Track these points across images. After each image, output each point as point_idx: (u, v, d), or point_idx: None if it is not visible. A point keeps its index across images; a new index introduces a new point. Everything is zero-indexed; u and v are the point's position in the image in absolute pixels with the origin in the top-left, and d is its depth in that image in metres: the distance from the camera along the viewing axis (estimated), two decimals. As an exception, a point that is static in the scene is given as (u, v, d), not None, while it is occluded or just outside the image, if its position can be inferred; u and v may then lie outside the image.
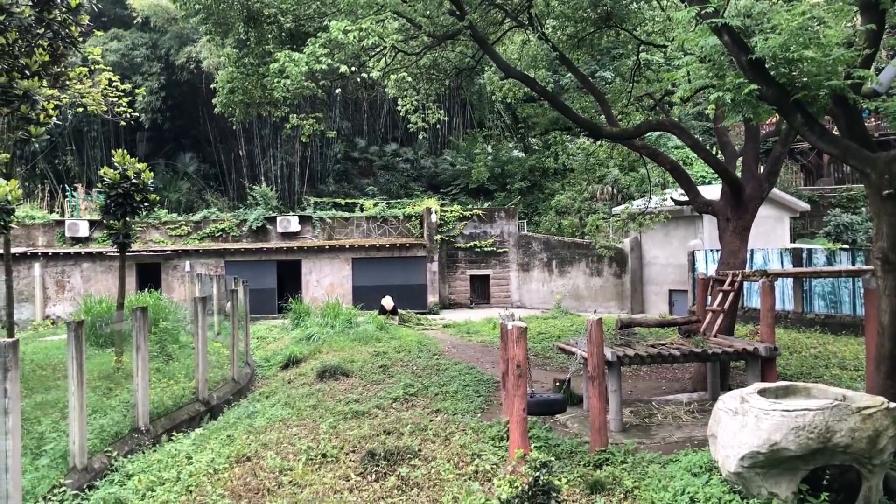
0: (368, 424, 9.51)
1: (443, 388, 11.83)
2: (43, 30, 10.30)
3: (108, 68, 17.76)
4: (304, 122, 15.64)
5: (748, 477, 6.37)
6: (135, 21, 33.37)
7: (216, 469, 8.05)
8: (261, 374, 15.21)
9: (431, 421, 9.68)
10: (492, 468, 7.75)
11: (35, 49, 10.14)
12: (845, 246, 23.24)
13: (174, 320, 15.51)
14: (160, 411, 10.04)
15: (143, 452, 8.84)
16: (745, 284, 17.22)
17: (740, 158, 13.30)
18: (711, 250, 21.53)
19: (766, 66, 6.76)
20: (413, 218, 28.86)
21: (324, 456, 8.38)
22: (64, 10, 10.54)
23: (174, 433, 9.66)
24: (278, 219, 27.64)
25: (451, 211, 28.87)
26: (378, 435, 9.01)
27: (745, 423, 6.41)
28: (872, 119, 27.47)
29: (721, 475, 6.79)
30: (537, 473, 6.41)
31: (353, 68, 12.81)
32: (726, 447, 6.53)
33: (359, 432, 9.11)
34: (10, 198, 10.66)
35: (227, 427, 9.96)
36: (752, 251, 18.72)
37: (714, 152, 17.01)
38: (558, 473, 7.35)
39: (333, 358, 14.63)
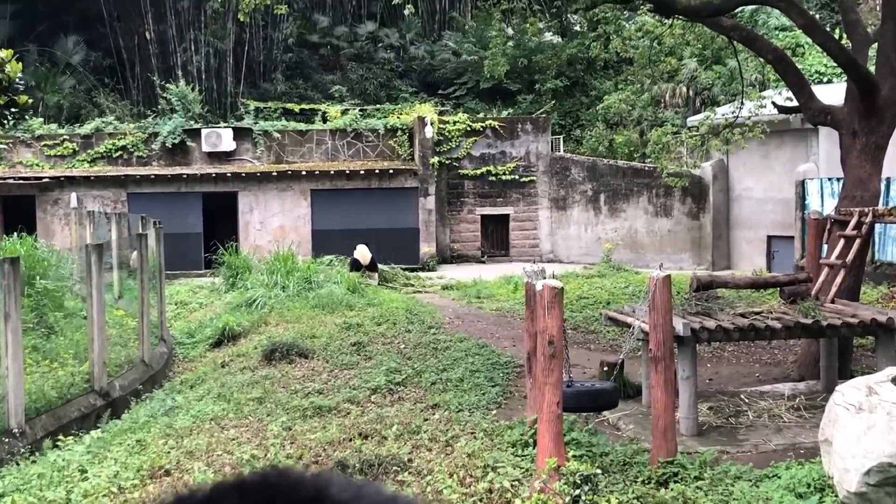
0: (337, 425, 9.63)
1: (442, 375, 11.98)
2: None
3: None
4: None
5: (876, 499, 6.47)
6: None
7: (122, 487, 8.15)
8: (182, 354, 15.47)
9: (426, 420, 9.80)
10: (512, 485, 7.85)
11: None
12: None
13: (56, 278, 15.56)
14: (40, 406, 10.13)
15: (18, 463, 8.95)
16: (877, 228, 17.21)
17: (874, 45, 13.15)
18: (830, 179, 21.50)
19: None
20: (399, 132, 28.84)
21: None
22: None
23: (61, 436, 9.75)
24: (204, 133, 27.74)
25: (455, 122, 28.84)
26: (351, 440, 9.13)
27: (873, 424, 6.48)
28: None
29: (837, 496, 6.90)
30: (577, 492, 6.48)
31: None
32: (845, 457, 6.61)
33: (324, 435, 9.23)
34: None
35: (136, 428, 10.10)
36: (888, 181, 18.65)
37: (837, 36, 16.79)
38: (606, 493, 7.44)
39: (286, 332, 14.70)
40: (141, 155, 27.87)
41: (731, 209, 27.00)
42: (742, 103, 17.65)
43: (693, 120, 23.79)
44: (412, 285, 22.54)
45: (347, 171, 27.35)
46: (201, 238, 26.50)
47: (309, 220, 27.26)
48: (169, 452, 8.88)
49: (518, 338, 14.42)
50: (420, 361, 12.80)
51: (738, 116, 17.55)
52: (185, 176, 26.90)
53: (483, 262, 28.28)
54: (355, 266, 21.35)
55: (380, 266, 22.60)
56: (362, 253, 21.79)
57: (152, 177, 26.86)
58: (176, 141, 27.69)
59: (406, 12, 17.29)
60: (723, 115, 18.52)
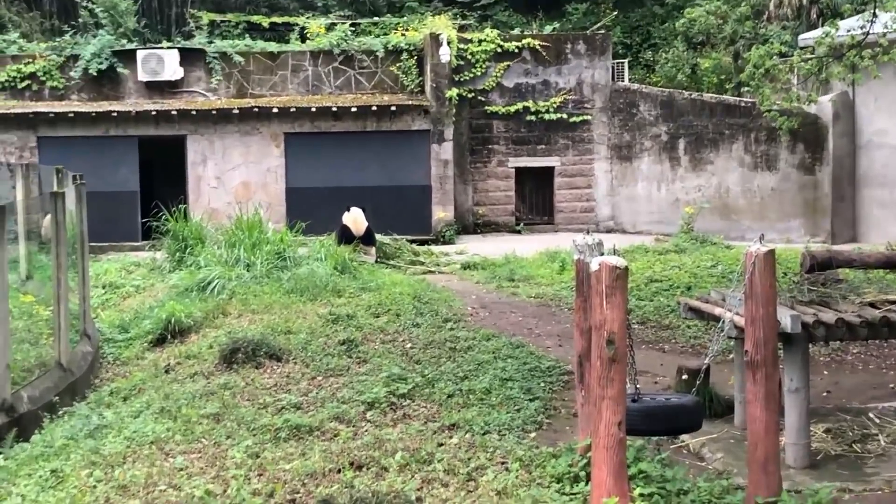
0: (321, 451, 9.63)
1: (462, 385, 12.01)
2: None
3: None
4: None
5: None
6: None
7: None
8: (112, 354, 15.55)
9: (441, 446, 9.78)
10: (557, 536, 7.88)
11: None
12: None
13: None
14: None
15: None
16: None
17: None
18: None
19: None
20: (405, 55, 28.97)
21: (237, 510, 8.55)
22: None
23: (-54, 466, 9.81)
24: (140, 56, 27.80)
25: (481, 41, 28.86)
26: (339, 471, 9.11)
27: None
28: None
29: None
30: (645, 545, 6.49)
31: None
32: None
33: (303, 465, 9.23)
34: None
35: (50, 454, 10.10)
36: None
37: None
38: (685, 545, 7.44)
39: (252, 326, 14.75)
40: (56, 86, 28.02)
41: (859, 161, 26.81)
42: (875, 15, 17.42)
43: (807, 38, 23.59)
44: (422, 263, 22.58)
45: (334, 109, 27.33)
46: (137, 198, 26.54)
47: (282, 176, 27.33)
48: (95, 487, 8.87)
49: (565, 335, 14.33)
50: (432, 366, 12.81)
51: (868, 33, 17.34)
52: (114, 114, 26.87)
53: (518, 233, 28.22)
54: (345, 237, 21.40)
55: (378, 238, 22.61)
56: (355, 220, 21.84)
57: (71, 115, 26.91)
58: (102, 67, 27.77)
59: None
60: (848, 30, 18.28)
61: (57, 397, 12.36)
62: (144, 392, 12.48)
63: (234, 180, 27.34)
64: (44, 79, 27.93)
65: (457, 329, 14.79)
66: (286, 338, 13.99)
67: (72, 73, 27.96)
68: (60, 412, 11.97)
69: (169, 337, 15.24)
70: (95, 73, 27.81)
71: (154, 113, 27.13)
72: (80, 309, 15.38)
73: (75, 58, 27.93)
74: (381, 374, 12.21)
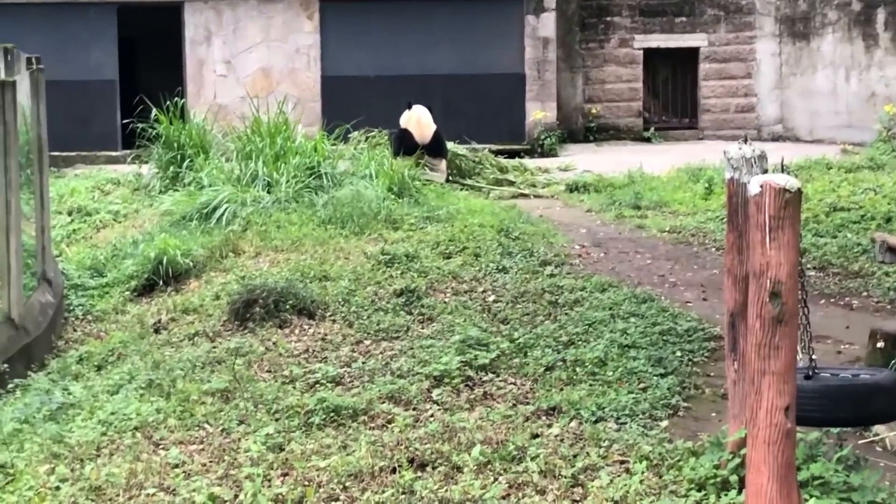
0: (370, 443, 9.71)
1: (566, 353, 12.05)
2: None
3: None
4: None
5: None
6: None
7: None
8: (82, 305, 15.76)
9: (536, 438, 9.83)
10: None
11: None
12: None
13: None
14: None
15: None
16: None
17: None
18: None
19: None
20: None
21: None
22: None
23: None
24: None
25: None
26: (395, 470, 9.19)
27: None
28: None
29: None
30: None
31: None
32: None
33: (343, 462, 9.31)
34: None
35: (-4, 442, 10.24)
36: None
37: None
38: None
39: (274, 269, 14.91)
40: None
41: None
42: None
43: None
44: (511, 183, 22.64)
45: None
46: (116, 90, 26.91)
47: (316, 59, 27.45)
48: (58, 489, 8.96)
49: (712, 285, 14.40)
50: (524, 327, 12.86)
51: None
52: None
53: (647, 141, 28.34)
54: (405, 146, 21.56)
55: (450, 147, 22.71)
56: (418, 122, 21.98)
57: (22, -30, 27.21)
58: None
59: None
60: None
61: (6, 365, 12.43)
62: (126, 358, 12.61)
63: (250, 66, 27.43)
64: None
65: (559, 276, 14.81)
66: (321, 286, 14.14)
67: None
68: (11, 385, 12.10)
69: (160, 283, 15.43)
70: None
71: None
72: (38, 244, 15.58)
73: None
74: (454, 338, 12.26)
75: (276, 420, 10.28)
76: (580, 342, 12.37)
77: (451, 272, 14.83)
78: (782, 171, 8.24)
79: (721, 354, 10.74)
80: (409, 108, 22.28)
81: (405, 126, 21.92)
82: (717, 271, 14.67)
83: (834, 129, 27.94)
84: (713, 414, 10.47)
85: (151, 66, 27.01)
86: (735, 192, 8.69)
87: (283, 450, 9.64)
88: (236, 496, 8.77)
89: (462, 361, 11.59)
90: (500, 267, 15.08)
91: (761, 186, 7.50)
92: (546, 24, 27.30)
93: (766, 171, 8.31)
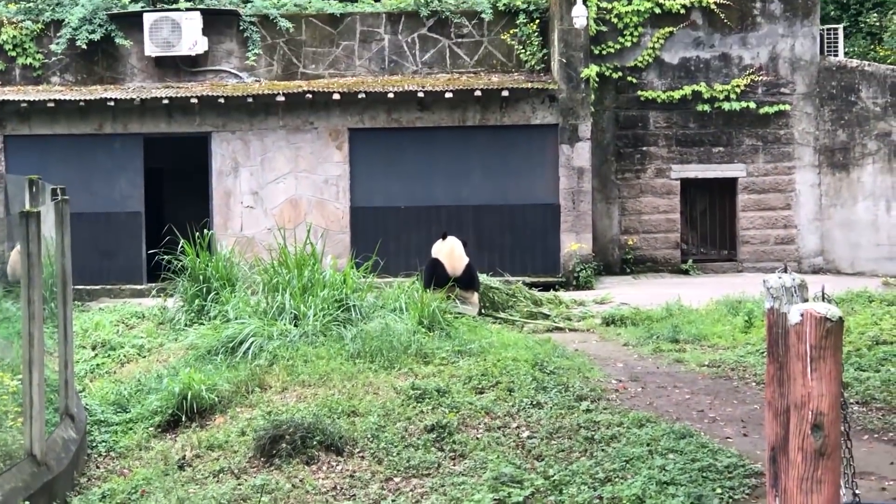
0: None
1: (603, 490, 11.92)
2: None
3: None
4: None
5: None
6: None
7: None
8: (105, 442, 15.51)
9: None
10: None
11: None
12: None
13: None
14: None
15: None
16: None
17: None
18: None
19: None
20: (521, 17, 28.97)
21: None
22: None
23: None
24: (148, 20, 27.95)
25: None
26: None
27: None
28: None
29: None
30: None
31: None
32: None
33: None
34: None
35: None
36: None
37: None
38: None
39: (302, 404, 14.78)
40: (30, 64, 28.36)
41: None
42: None
43: None
44: (546, 316, 22.51)
45: (420, 94, 27.34)
46: (142, 222, 26.85)
47: (346, 190, 27.45)
48: None
49: (752, 420, 14.25)
50: (560, 463, 12.72)
51: None
52: (111, 103, 27.05)
53: (685, 273, 28.31)
54: (437, 278, 21.41)
55: (483, 279, 22.56)
56: (451, 253, 21.83)
57: (50, 104, 27.17)
58: (95, 37, 28.08)
59: None
60: None
61: (28, 503, 12.19)
62: (150, 496, 12.49)
63: (278, 197, 27.45)
64: (13, 54, 28.32)
65: (595, 411, 14.64)
66: (350, 421, 14.03)
67: (52, 47, 28.24)
68: (33, 523, 11.97)
69: (184, 419, 15.24)
70: (85, 46, 28.08)
71: (166, 101, 27.22)
72: (61, 378, 15.38)
73: (58, 24, 28.25)
74: (486, 475, 12.17)
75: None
76: (617, 479, 12.21)
77: (483, 407, 14.65)
78: (823, 299, 8.21)
79: (762, 491, 10.40)
80: (444, 238, 22.17)
81: (437, 257, 21.76)
82: (757, 406, 14.60)
83: (875, 262, 27.85)
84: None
85: (178, 197, 27.17)
86: (775, 322, 8.50)
87: None
88: None
89: (495, 499, 11.52)
90: (535, 402, 14.89)
91: (802, 315, 7.57)
92: (581, 154, 27.39)
93: (806, 301, 8.21)
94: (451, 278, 21.49)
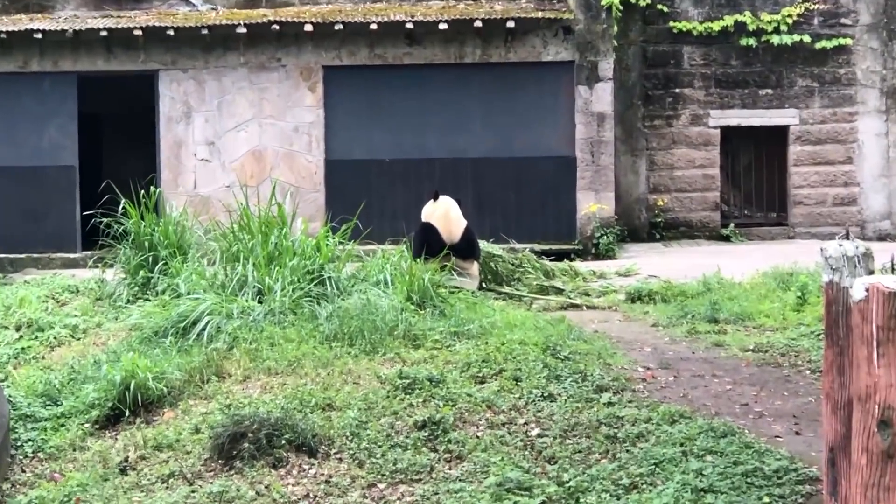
0: None
1: (628, 498, 11.37)
2: None
3: None
4: None
5: None
6: None
7: None
8: (32, 441, 15.09)
9: None
10: None
11: None
12: None
13: None
14: None
15: None
16: None
17: None
18: None
19: None
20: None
21: None
22: None
23: None
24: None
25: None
26: None
27: None
28: None
29: None
30: None
31: None
32: None
33: None
34: None
35: None
36: None
37: None
38: None
39: (268, 395, 14.34)
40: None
41: None
42: None
43: None
44: (559, 291, 22.06)
45: (409, 25, 27.11)
46: (75, 178, 26.85)
47: (319, 140, 27.32)
48: None
49: (806, 414, 13.82)
50: (576, 467, 12.06)
51: None
52: (38, 35, 26.99)
53: (726, 239, 28.55)
54: (429, 245, 20.68)
55: (484, 247, 21.94)
56: (445, 216, 21.18)
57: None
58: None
59: None
60: None
61: (-64, 514, 11.88)
62: (84, 508, 11.77)
63: (239, 148, 27.30)
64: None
65: (619, 405, 13.78)
66: (325, 417, 13.41)
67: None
68: (-57, 541, 11.71)
69: (127, 413, 14.45)
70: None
71: (105, 34, 26.98)
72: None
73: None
74: (488, 481, 11.67)
75: None
76: (645, 485, 11.59)
77: (484, 400, 13.93)
78: (892, 271, 8.42)
79: (819, 500, 10.22)
80: (435, 199, 21.65)
81: (429, 221, 21.29)
82: (812, 399, 14.15)
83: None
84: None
85: (119, 148, 27.16)
86: (834, 299, 8.40)
87: None
88: None
89: (500, 507, 10.99)
90: (546, 394, 14.15)
91: (867, 290, 7.40)
92: (602, 97, 27.14)
93: (872, 273, 8.13)
94: (446, 246, 20.78)
